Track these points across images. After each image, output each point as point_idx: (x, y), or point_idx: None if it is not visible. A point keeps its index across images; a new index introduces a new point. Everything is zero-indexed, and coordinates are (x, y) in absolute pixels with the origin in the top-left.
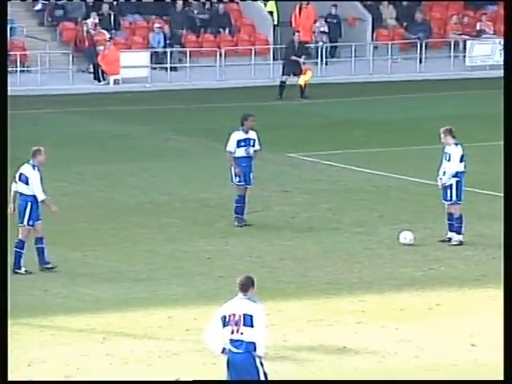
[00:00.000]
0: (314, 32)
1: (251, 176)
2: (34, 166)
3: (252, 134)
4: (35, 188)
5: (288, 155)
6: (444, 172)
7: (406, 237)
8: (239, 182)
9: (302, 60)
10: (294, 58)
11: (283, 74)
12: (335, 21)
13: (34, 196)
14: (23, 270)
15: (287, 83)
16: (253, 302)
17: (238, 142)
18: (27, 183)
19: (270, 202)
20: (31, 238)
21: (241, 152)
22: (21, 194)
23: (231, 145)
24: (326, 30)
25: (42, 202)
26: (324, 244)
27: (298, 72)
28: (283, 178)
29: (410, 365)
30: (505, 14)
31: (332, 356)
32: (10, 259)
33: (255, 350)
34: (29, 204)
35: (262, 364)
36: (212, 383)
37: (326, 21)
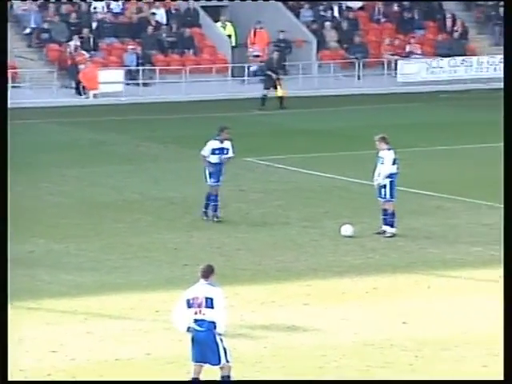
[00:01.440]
0: (248, 56)
1: (221, 178)
2: None
3: (226, 144)
4: None
5: (244, 159)
6: (379, 174)
7: (347, 230)
8: (214, 182)
9: (275, 76)
10: (269, 72)
11: (265, 88)
12: (283, 44)
13: None
14: None
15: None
16: (213, 287)
17: (213, 150)
18: None
19: (229, 200)
20: None
21: (214, 159)
22: None
23: (206, 150)
24: (258, 53)
25: None
26: (275, 236)
27: (275, 86)
28: (240, 179)
29: (350, 340)
30: (505, 14)
31: (283, 333)
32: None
33: (216, 328)
34: None
35: (221, 340)
36: (212, 383)
37: (275, 45)
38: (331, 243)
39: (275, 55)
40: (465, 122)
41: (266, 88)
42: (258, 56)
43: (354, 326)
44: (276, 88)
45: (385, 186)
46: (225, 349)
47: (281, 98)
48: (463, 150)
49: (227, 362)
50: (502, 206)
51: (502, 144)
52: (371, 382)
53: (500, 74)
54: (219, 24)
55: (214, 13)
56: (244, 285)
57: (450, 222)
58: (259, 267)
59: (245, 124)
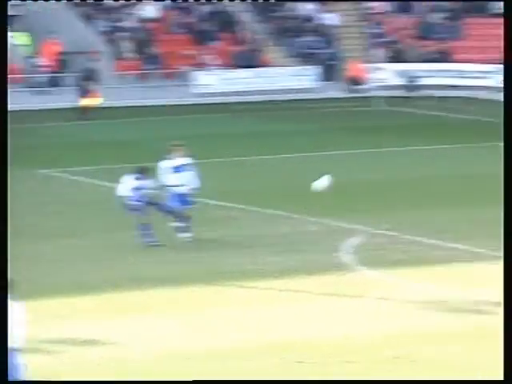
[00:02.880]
0: (34, 66)
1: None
2: None
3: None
4: None
5: (40, 171)
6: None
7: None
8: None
9: (91, 86)
10: (85, 82)
11: (81, 97)
12: (63, 57)
13: None
14: None
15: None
16: (12, 301)
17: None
18: None
19: (24, 213)
20: None
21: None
22: None
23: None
24: (43, 63)
25: None
26: (72, 249)
27: (88, 95)
28: (36, 192)
29: (151, 352)
30: (505, 15)
31: (79, 347)
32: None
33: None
34: None
35: (17, 356)
36: (212, 383)
37: (66, 55)
38: (131, 255)
39: (90, 65)
40: (260, 133)
41: (82, 97)
42: (45, 66)
43: (155, 338)
44: (88, 98)
45: (179, 195)
46: (20, 365)
47: (85, 108)
48: (258, 160)
49: (22, 378)
50: (297, 216)
51: (299, 154)
52: (375, 381)
53: (295, 85)
54: (13, 34)
55: (8, 22)
56: (40, 299)
57: (245, 232)
58: (55, 280)
59: (39, 136)
